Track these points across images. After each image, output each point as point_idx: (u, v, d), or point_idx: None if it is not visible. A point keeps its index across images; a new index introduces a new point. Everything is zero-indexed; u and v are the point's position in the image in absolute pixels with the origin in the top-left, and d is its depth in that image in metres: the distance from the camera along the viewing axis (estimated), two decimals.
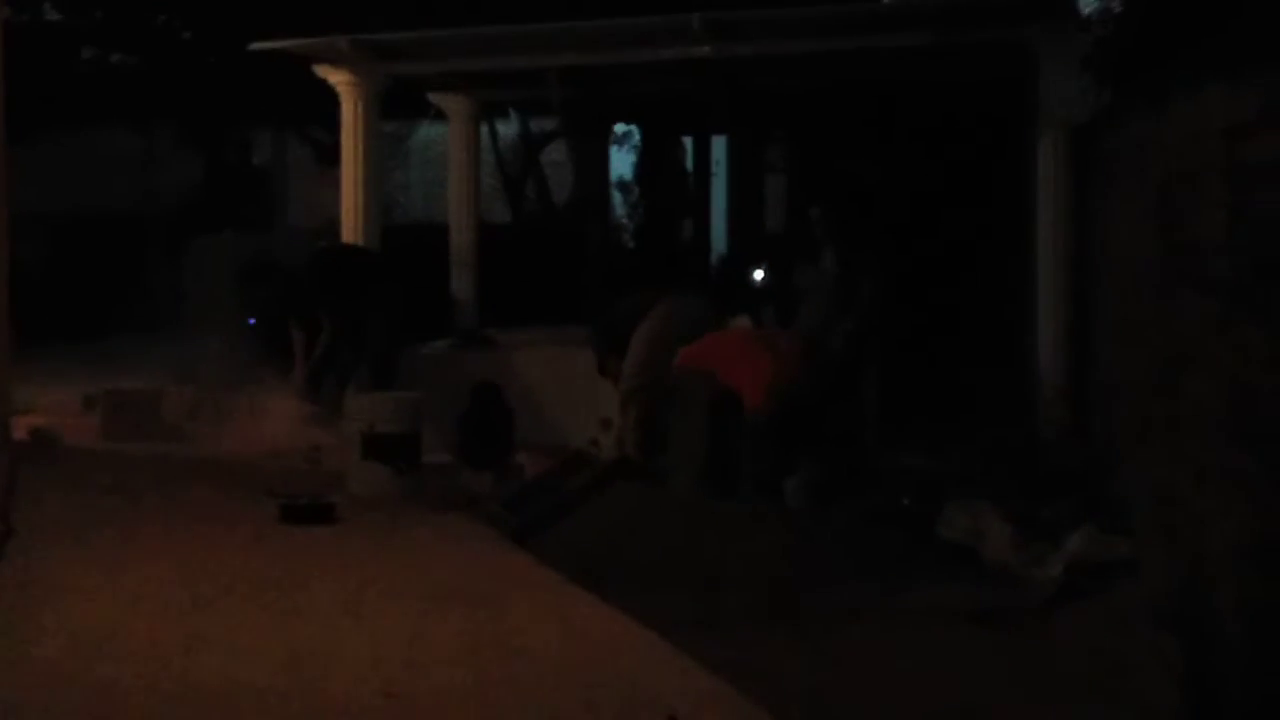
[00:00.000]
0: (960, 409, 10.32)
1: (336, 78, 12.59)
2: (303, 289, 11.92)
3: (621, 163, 22.71)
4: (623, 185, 22.27)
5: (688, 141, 21.09)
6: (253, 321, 12.85)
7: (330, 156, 17.10)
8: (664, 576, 7.20)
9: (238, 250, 14.21)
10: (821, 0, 11.77)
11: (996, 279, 12.03)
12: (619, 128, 21.72)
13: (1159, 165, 6.27)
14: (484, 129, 17.31)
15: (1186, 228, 5.60)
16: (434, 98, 14.05)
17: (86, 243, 20.71)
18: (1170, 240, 5.95)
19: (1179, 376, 5.71)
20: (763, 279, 13.00)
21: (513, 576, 7.31)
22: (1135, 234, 6.99)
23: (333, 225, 13.21)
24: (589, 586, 6.98)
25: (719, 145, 21.21)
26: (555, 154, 21.48)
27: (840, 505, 8.51)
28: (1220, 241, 5.05)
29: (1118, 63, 9.01)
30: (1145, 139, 6.65)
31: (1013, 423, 10.12)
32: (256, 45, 12.44)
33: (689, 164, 21.10)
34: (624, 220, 21.95)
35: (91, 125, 21.13)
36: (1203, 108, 5.35)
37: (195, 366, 12.65)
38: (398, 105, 14.10)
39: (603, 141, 19.83)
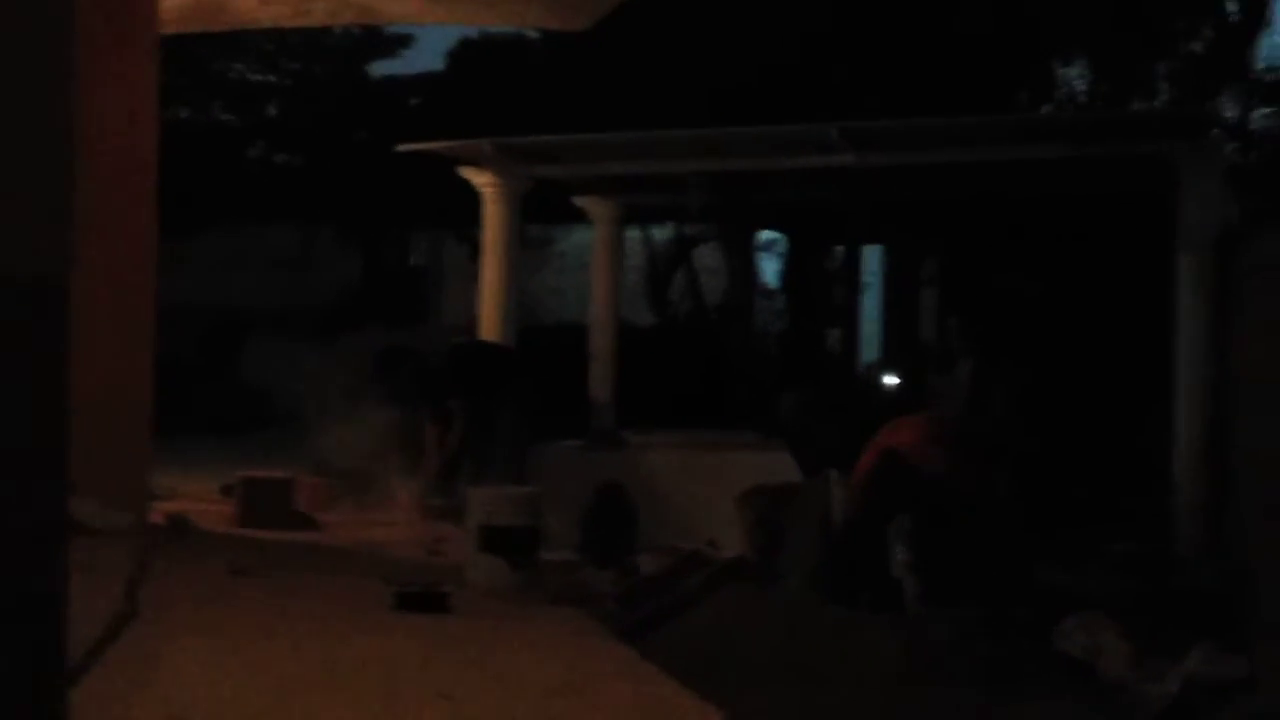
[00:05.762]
0: (1096, 522, 10.14)
1: (480, 179, 12.82)
2: (437, 381, 12.09)
3: (772, 270, 22.77)
4: (767, 292, 22.24)
5: (839, 250, 21.08)
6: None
7: None
8: (770, 675, 7.17)
9: (382, 343, 14.42)
10: (961, 111, 11.78)
11: (1135, 392, 11.83)
12: (766, 235, 21.78)
13: None
14: (638, 232, 17.47)
15: None
16: (577, 200, 14.23)
17: (239, 336, 21.15)
18: None
19: None
20: (896, 384, 12.91)
21: (617, 671, 7.29)
22: (1272, 351, 6.86)
23: (475, 322, 13.38)
24: (694, 685, 6.93)
25: (873, 255, 21.18)
26: (709, 259, 21.56)
27: (957, 612, 8.38)
28: None
29: (1261, 179, 8.92)
30: None
31: (1149, 539, 9.93)
32: (404, 147, 12.73)
33: (839, 272, 21.07)
34: (769, 328, 21.90)
35: (255, 222, 21.64)
36: None
37: (330, 457, 12.85)
38: (552, 209, 14.31)
39: (748, 248, 19.92)
